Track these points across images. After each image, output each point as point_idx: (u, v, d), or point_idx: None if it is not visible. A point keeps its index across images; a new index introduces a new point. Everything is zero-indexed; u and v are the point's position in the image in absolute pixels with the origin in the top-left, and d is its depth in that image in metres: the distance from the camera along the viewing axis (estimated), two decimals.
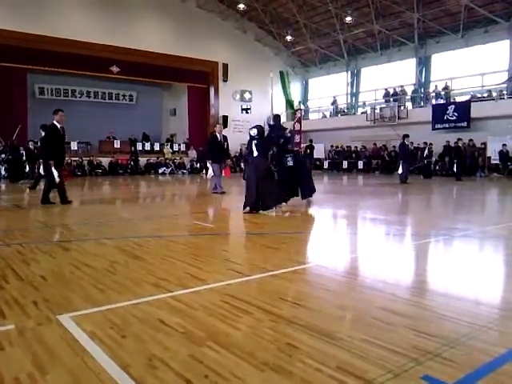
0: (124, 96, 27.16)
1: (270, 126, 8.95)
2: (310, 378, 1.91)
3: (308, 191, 8.47)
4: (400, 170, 14.81)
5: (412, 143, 20.86)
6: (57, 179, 8.47)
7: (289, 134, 8.81)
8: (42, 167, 12.07)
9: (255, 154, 7.62)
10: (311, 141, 21.66)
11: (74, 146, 22.38)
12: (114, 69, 22.85)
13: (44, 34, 19.82)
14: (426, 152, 19.98)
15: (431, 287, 3.40)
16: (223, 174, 11.73)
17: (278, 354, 2.12)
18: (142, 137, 25.64)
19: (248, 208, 7.45)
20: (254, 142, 7.63)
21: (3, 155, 18.13)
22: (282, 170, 8.20)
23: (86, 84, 25.17)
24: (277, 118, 9.09)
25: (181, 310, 2.74)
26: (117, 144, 23.36)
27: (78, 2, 21.31)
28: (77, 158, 21.18)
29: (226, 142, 11.30)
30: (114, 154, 22.61)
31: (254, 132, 7.67)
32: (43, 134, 12.24)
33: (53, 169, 8.45)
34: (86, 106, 25.10)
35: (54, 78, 23.60)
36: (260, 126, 7.94)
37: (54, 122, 8.65)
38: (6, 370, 1.99)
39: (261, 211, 7.39)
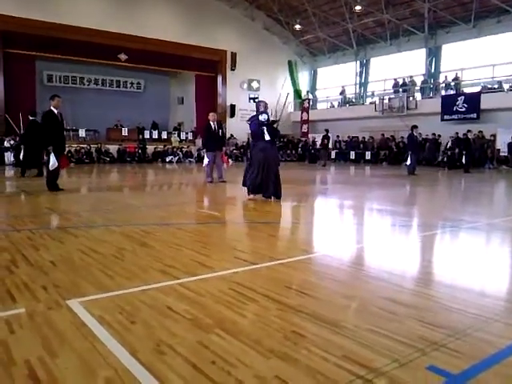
0: (132, 84, 27.13)
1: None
2: (315, 366, 1.93)
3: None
4: (408, 161, 14.72)
5: (420, 134, 20.73)
6: (53, 166, 8.31)
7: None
8: (22, 153, 12.17)
9: (267, 138, 7.62)
10: (327, 130, 20.76)
11: (81, 133, 22.47)
12: (122, 56, 22.81)
13: (53, 20, 19.81)
14: (450, 144, 19.61)
15: (437, 278, 3.40)
16: (224, 165, 11.55)
17: (284, 342, 2.14)
18: (151, 125, 25.64)
19: (252, 195, 7.68)
20: (265, 127, 7.65)
21: (12, 142, 18.26)
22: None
23: (95, 71, 25.16)
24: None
25: (188, 297, 2.77)
26: (124, 132, 23.38)
27: None
28: (85, 146, 21.24)
29: (222, 129, 11.23)
30: (121, 141, 22.65)
31: (265, 117, 7.68)
32: (31, 119, 12.40)
33: (51, 155, 8.29)
34: (94, 94, 25.13)
35: (63, 65, 23.61)
36: (267, 112, 7.91)
37: (51, 108, 8.46)
38: (17, 352, 2.03)
39: (272, 199, 7.61)
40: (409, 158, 14.71)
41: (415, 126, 15.06)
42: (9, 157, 18.19)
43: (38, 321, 2.39)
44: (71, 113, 22.56)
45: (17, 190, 9.61)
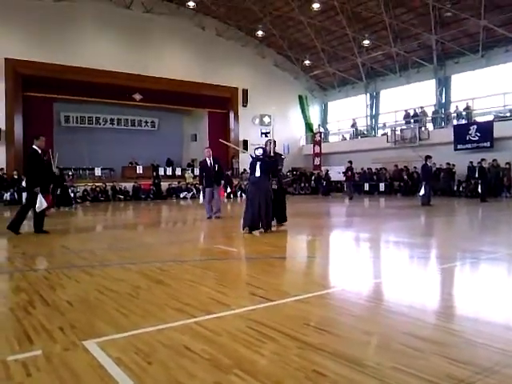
0: (146, 122, 27.73)
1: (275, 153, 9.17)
2: None
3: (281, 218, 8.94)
4: (422, 192, 14.56)
5: (434, 164, 20.61)
6: (40, 208, 8.01)
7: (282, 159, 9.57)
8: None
9: (258, 173, 7.88)
10: (351, 162, 20.54)
11: (97, 171, 22.85)
12: (137, 96, 23.43)
13: (69, 64, 20.59)
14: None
15: (460, 312, 3.31)
16: (221, 197, 11.58)
17: (306, 383, 2.08)
18: (165, 162, 26.01)
19: (247, 228, 7.77)
20: (259, 162, 7.89)
21: None
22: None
23: (110, 111, 25.83)
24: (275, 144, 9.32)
25: (205, 336, 2.72)
26: (139, 170, 23.73)
27: (101, 33, 22.10)
28: (100, 184, 21.56)
29: (218, 164, 11.21)
30: (136, 179, 22.95)
31: (260, 152, 7.98)
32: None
33: (39, 196, 7.97)
34: (110, 133, 25.70)
35: (79, 106, 24.32)
36: (264, 147, 8.36)
37: (35, 147, 8.18)
38: None
39: (257, 231, 7.73)
40: (422, 189, 14.55)
41: (429, 156, 15.01)
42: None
43: (55, 363, 2.36)
44: (87, 152, 23.08)
45: (33, 230, 9.70)
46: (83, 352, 2.51)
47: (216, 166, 11.05)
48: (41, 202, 8.03)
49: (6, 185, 19.01)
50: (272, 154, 8.79)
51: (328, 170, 25.96)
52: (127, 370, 2.25)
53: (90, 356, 2.45)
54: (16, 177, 19.14)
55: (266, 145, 9.03)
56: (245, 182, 23.81)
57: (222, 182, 11.66)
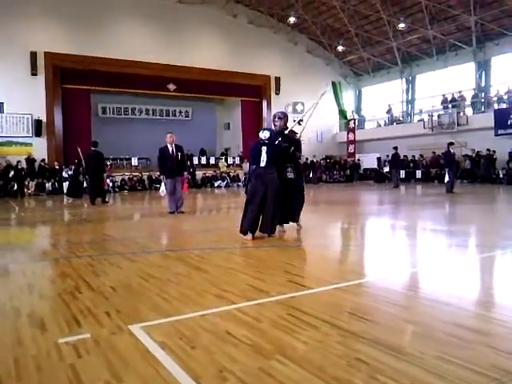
0: (180, 112, 28.03)
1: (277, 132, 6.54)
2: None
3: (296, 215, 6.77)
4: (446, 179, 14.31)
5: (473, 150, 20.06)
6: None
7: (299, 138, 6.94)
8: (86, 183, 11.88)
9: (263, 163, 6.02)
10: (396, 148, 19.49)
11: (134, 161, 23.33)
12: (171, 86, 23.67)
13: (105, 56, 20.97)
14: None
15: (503, 302, 3.22)
16: (183, 190, 10.27)
17: (349, 370, 2.08)
18: (199, 152, 26.26)
19: (250, 235, 5.95)
20: (265, 148, 6.04)
21: (69, 172, 19.17)
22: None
23: (145, 102, 26.27)
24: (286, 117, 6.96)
25: (246, 322, 2.76)
26: None
27: (135, 24, 22.37)
28: (137, 173, 22.01)
29: (181, 152, 9.96)
30: None
31: (267, 135, 6.08)
32: (93, 149, 12.83)
33: None
34: (145, 123, 26.15)
35: (116, 97, 24.81)
36: (272, 129, 6.35)
37: None
38: (85, 376, 2.09)
39: (261, 233, 6.09)
40: (446, 176, 14.32)
41: (451, 143, 14.84)
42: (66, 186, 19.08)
43: (103, 346, 2.45)
44: (125, 142, 23.59)
45: (76, 218, 10.03)
46: (129, 336, 2.59)
47: (179, 154, 9.82)
48: None
49: (48, 175, 19.69)
50: (285, 132, 6.61)
51: (359, 159, 25.56)
52: (172, 353, 2.32)
53: (135, 340, 2.53)
54: (57, 167, 19.80)
55: (273, 120, 6.82)
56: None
57: (185, 173, 10.21)
